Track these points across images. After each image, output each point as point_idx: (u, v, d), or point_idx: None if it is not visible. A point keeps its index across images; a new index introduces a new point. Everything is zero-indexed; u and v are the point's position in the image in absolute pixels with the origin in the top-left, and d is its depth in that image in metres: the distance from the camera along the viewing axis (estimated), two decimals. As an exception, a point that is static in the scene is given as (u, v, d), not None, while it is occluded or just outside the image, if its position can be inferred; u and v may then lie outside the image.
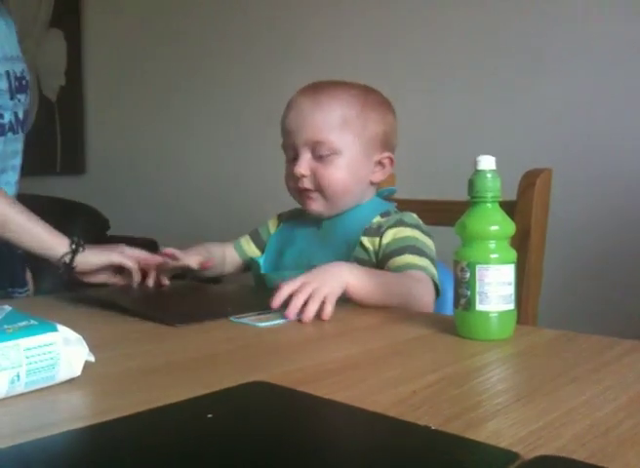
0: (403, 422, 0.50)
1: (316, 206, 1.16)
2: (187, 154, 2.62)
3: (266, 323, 0.85)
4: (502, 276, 0.76)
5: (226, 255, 1.28)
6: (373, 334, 0.83)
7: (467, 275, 0.76)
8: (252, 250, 1.28)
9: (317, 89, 1.17)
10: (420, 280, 1.03)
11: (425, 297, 1.02)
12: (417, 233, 1.12)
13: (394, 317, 0.89)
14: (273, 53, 2.31)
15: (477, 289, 0.76)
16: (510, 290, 0.77)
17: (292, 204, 1.24)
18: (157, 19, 2.70)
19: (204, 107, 2.54)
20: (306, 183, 1.14)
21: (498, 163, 0.78)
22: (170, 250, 1.16)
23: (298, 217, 1.25)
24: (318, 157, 1.12)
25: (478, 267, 0.76)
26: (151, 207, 2.73)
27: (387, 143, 1.18)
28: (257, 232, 1.30)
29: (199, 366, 0.69)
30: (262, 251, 1.26)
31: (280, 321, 0.86)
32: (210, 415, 0.51)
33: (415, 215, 1.17)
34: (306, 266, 1.12)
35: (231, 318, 0.88)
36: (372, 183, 1.19)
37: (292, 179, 1.16)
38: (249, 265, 1.27)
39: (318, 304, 0.87)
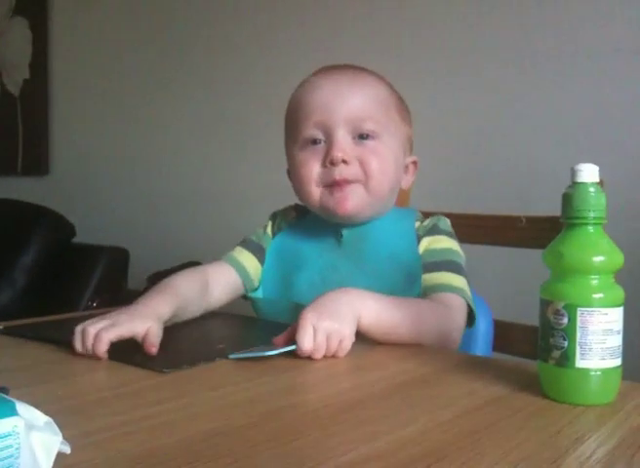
0: None
1: (355, 203, 0.90)
2: (161, 155, 2.39)
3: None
4: (610, 322, 0.58)
5: (215, 283, 0.95)
6: (438, 396, 0.64)
7: (565, 320, 0.58)
8: (251, 262, 0.99)
9: (346, 68, 0.97)
10: (453, 308, 0.86)
11: (454, 334, 0.85)
12: (454, 244, 0.96)
13: (442, 365, 0.71)
14: (254, 51, 2.11)
15: (578, 339, 0.58)
16: (619, 340, 0.59)
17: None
18: (131, 8, 2.48)
19: (179, 104, 2.33)
20: (347, 172, 0.89)
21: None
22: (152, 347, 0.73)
23: (301, 225, 1.01)
24: (358, 139, 0.91)
25: (580, 311, 0.58)
26: (122, 212, 2.49)
27: (411, 147, 1.01)
28: (250, 240, 1.02)
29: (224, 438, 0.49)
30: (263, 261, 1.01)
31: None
32: None
33: (448, 221, 0.98)
34: None
35: (230, 355, 0.72)
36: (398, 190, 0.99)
37: (315, 172, 0.91)
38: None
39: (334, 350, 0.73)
